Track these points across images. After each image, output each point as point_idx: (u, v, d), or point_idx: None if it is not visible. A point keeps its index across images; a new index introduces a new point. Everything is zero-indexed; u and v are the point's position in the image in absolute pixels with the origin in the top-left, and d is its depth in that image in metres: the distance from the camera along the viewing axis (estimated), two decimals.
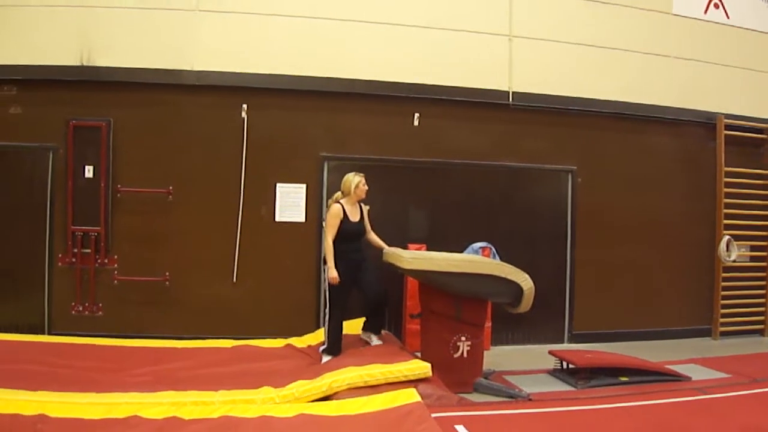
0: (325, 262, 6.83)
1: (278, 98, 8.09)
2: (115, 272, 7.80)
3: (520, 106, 8.72)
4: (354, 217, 6.94)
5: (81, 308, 7.74)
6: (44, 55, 7.68)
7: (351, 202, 6.96)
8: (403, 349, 7.05)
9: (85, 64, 7.73)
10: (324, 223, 7.06)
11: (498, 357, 7.81)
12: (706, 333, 9.51)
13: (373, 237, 7.20)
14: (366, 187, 6.99)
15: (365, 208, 7.17)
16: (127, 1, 7.83)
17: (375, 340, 7.14)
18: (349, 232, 6.86)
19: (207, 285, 7.93)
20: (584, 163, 9.08)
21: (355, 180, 6.91)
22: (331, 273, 6.67)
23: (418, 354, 6.77)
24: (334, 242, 6.77)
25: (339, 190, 7.02)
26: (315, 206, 8.21)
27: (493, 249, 8.19)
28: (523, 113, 8.76)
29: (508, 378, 6.90)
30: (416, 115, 8.42)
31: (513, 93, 8.68)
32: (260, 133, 8.05)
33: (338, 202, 6.93)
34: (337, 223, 6.81)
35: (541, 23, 8.86)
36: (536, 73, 8.80)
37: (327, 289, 6.89)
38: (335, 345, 6.87)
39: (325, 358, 6.79)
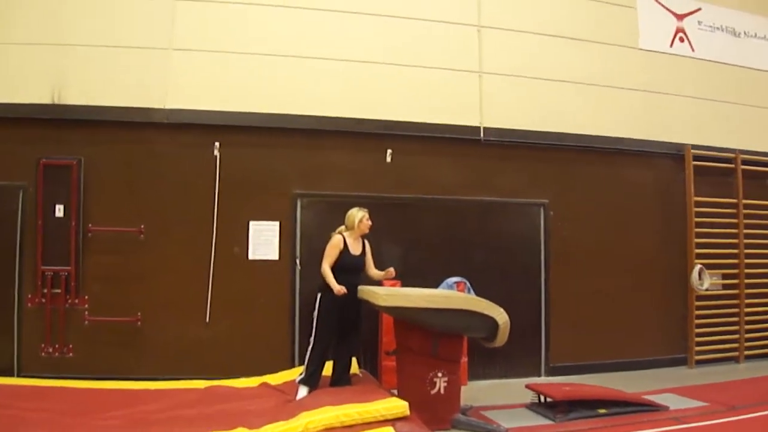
0: (320, 290, 6.84)
1: (251, 136, 8.09)
2: (86, 313, 7.66)
3: (492, 141, 8.79)
4: (355, 250, 6.99)
5: (51, 350, 7.57)
6: (15, 93, 7.61)
7: (354, 236, 7.02)
8: (380, 387, 6.99)
9: (56, 102, 7.67)
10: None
11: (475, 392, 7.77)
12: (681, 362, 9.55)
13: (374, 272, 7.20)
14: (369, 222, 7.07)
15: (368, 245, 7.20)
16: (99, 40, 7.80)
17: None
18: (347, 264, 6.89)
19: (179, 325, 7.81)
20: (556, 197, 9.16)
21: (358, 215, 7.00)
22: (335, 288, 6.63)
23: (395, 391, 6.70)
24: (333, 273, 6.77)
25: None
26: (288, 244, 8.17)
27: (468, 284, 8.20)
28: (494, 148, 8.84)
29: (486, 413, 6.85)
30: (389, 151, 8.47)
31: (484, 128, 8.76)
32: (233, 171, 8.02)
33: (341, 234, 6.98)
34: (336, 253, 6.86)
35: (510, 59, 8.96)
36: (506, 109, 8.90)
37: (315, 317, 6.87)
38: (313, 376, 6.82)
39: (302, 391, 6.74)
